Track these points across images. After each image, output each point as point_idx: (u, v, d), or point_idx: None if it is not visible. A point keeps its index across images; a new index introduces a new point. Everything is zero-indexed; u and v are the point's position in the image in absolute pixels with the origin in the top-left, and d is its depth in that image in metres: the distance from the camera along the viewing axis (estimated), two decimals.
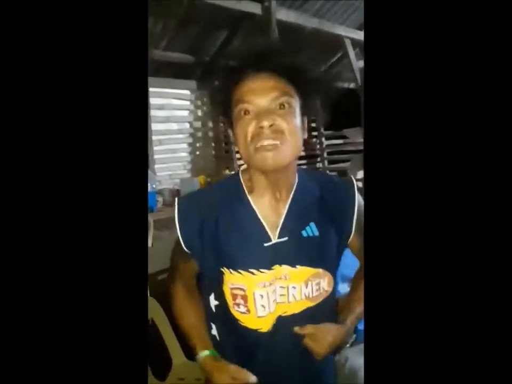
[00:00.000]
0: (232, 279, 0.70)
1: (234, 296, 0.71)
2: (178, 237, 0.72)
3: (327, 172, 4.43)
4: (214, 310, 0.77)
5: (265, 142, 0.61)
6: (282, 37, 2.96)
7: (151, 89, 3.07)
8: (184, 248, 0.72)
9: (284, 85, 0.64)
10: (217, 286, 0.73)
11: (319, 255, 0.71)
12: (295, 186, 0.71)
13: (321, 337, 0.72)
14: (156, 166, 3.09)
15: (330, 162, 4.52)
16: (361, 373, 1.23)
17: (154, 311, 1.46)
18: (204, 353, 0.75)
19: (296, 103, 0.65)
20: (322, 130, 4.44)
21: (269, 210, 0.70)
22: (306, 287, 0.71)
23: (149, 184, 2.50)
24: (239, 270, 0.69)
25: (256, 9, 2.85)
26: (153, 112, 3.08)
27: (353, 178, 0.76)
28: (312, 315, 0.72)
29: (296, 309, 0.71)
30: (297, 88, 0.65)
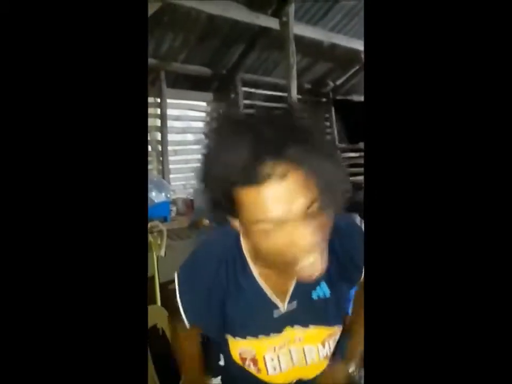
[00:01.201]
0: (240, 345, 0.66)
1: (243, 360, 0.67)
2: (179, 311, 0.66)
3: None
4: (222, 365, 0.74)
5: (310, 261, 0.49)
6: (299, 51, 2.99)
7: (168, 101, 3.14)
8: (186, 322, 0.66)
9: (307, 180, 0.46)
10: (224, 349, 0.69)
11: (332, 313, 0.65)
12: None
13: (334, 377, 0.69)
14: (171, 176, 3.12)
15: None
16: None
17: (164, 321, 1.45)
18: None
19: (324, 196, 0.48)
20: (337, 143, 4.43)
21: (276, 280, 0.62)
22: (324, 347, 0.66)
23: (163, 194, 2.53)
24: (247, 337, 0.65)
25: (274, 24, 2.89)
26: (169, 123, 3.14)
27: (357, 218, 0.72)
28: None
29: (317, 371, 0.68)
30: (320, 182, 0.47)
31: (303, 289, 0.63)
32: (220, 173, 0.47)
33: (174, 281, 0.71)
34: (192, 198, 2.86)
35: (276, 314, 0.63)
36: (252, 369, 0.67)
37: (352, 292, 1.01)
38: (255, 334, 0.64)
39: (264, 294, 0.63)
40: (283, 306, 0.64)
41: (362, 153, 4.15)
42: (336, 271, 0.63)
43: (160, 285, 1.61)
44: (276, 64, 3.60)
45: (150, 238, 1.88)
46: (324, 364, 0.67)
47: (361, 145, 3.89)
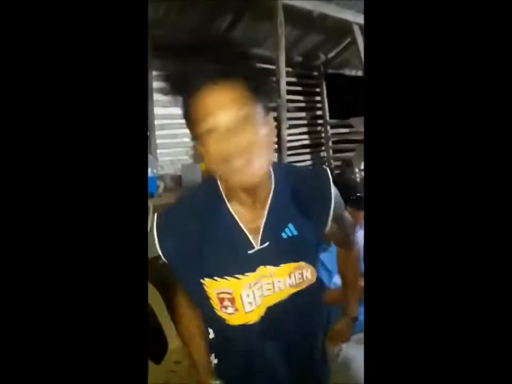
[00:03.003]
0: (218, 286, 0.70)
1: (221, 300, 0.71)
2: (160, 257, 0.71)
3: (332, 161, 4.39)
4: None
5: (239, 162, 0.59)
6: (288, 22, 2.89)
7: (153, 73, 3.03)
8: (165, 261, 0.72)
9: (240, 90, 0.59)
10: (196, 298, 0.75)
11: (300, 252, 0.73)
12: (272, 190, 0.71)
13: (345, 331, 0.93)
14: (158, 151, 3.06)
15: (335, 151, 4.48)
16: (355, 364, 1.23)
17: (151, 295, 1.46)
18: None
19: (257, 107, 0.61)
20: (327, 118, 4.39)
21: (249, 217, 0.70)
22: (290, 278, 0.73)
23: (149, 169, 2.48)
24: (225, 277, 0.70)
25: None
26: (155, 96, 3.04)
27: (327, 168, 0.77)
28: (297, 300, 0.74)
29: (282, 296, 0.74)
30: (248, 82, 0.60)
31: (273, 229, 0.70)
32: (175, 87, 0.62)
33: (160, 257, 0.73)
34: (180, 174, 2.82)
35: (250, 252, 0.69)
36: (229, 311, 0.72)
37: (333, 251, 1.07)
38: (232, 273, 0.69)
39: (242, 232, 0.69)
40: (257, 245, 0.70)
41: (353, 129, 4.13)
42: (304, 214, 0.72)
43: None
44: (265, 35, 3.49)
45: None
46: (288, 291, 0.74)
47: (352, 121, 3.85)
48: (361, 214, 1.26)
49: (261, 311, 0.73)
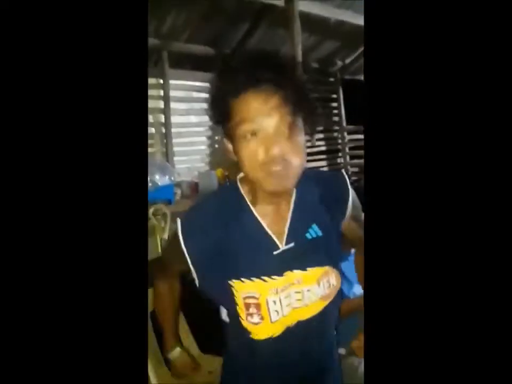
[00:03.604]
0: (245, 288, 0.70)
1: (247, 306, 0.70)
2: (180, 244, 0.71)
3: (349, 167, 4.34)
4: (227, 322, 0.79)
5: (277, 169, 0.61)
6: (305, 29, 2.89)
7: (171, 82, 3.08)
8: (191, 266, 0.71)
9: (285, 101, 0.60)
10: (226, 301, 0.73)
11: (325, 253, 0.73)
12: (295, 192, 0.73)
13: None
14: (175, 159, 3.10)
15: (352, 157, 4.43)
16: (362, 369, 1.21)
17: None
18: (176, 351, 0.90)
19: (299, 118, 0.63)
20: (344, 124, 4.35)
21: (273, 219, 0.71)
22: (319, 286, 0.72)
23: (167, 177, 2.51)
24: (251, 278, 0.69)
25: (278, 1, 2.79)
26: (173, 105, 3.09)
27: (343, 171, 0.79)
28: (327, 313, 0.74)
29: (314, 310, 0.73)
30: (293, 101, 0.61)
31: (298, 230, 0.71)
32: (219, 88, 0.64)
33: None
34: (196, 181, 2.85)
35: (276, 253, 0.70)
36: (255, 320, 0.70)
37: (352, 260, 1.05)
38: (258, 275, 0.69)
39: (266, 233, 0.70)
40: (282, 245, 0.70)
41: None
42: (326, 215, 0.74)
43: None
44: (282, 42, 3.50)
45: (154, 221, 1.88)
46: (320, 304, 0.73)
47: None
48: None
49: (288, 323, 0.72)
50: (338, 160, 4.42)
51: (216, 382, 0.94)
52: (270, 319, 0.70)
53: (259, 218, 0.70)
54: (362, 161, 4.48)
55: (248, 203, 0.71)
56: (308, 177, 0.73)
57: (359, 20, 3.50)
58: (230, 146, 0.67)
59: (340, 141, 4.40)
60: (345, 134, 4.36)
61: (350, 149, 4.40)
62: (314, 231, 0.72)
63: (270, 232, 0.70)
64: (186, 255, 0.70)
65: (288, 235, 0.70)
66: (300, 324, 0.72)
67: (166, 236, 1.89)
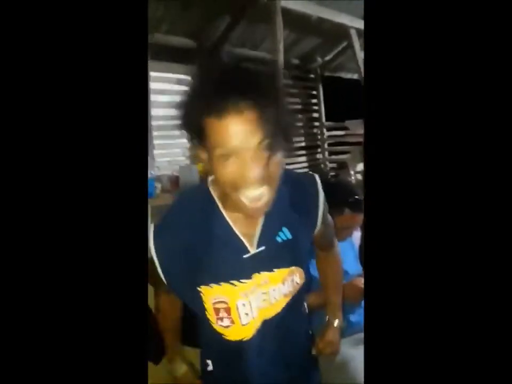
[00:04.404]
0: (214, 293, 0.70)
1: (217, 311, 0.71)
2: (157, 271, 0.71)
3: (327, 163, 4.41)
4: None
5: (255, 193, 0.59)
6: (286, 25, 2.90)
7: (151, 74, 3.03)
8: (161, 275, 0.72)
9: (261, 120, 0.56)
10: (196, 307, 0.74)
11: (293, 255, 0.75)
12: None
13: (334, 342, 0.91)
14: (155, 152, 3.06)
15: (331, 153, 4.50)
16: (354, 364, 1.24)
17: (150, 297, 1.46)
18: (182, 368, 0.90)
19: (278, 137, 0.58)
20: (323, 121, 4.41)
21: (244, 222, 0.70)
22: (284, 285, 0.74)
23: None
24: (220, 283, 0.70)
25: None
26: (153, 97, 3.04)
27: (315, 174, 0.79)
28: (290, 309, 0.76)
29: (278, 308, 0.75)
30: (269, 122, 0.56)
31: (269, 234, 0.71)
32: (194, 105, 0.58)
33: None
34: (177, 174, 2.82)
35: (246, 257, 0.70)
36: (225, 324, 0.72)
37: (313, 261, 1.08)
38: (227, 279, 0.70)
39: (237, 237, 0.70)
40: (252, 249, 0.71)
41: (348, 132, 4.15)
42: (296, 218, 0.73)
43: None
44: (263, 38, 3.51)
45: None
46: (283, 301, 0.74)
47: (348, 123, 3.87)
48: (360, 216, 1.27)
49: (257, 325, 0.74)
50: (317, 156, 4.49)
51: (195, 373, 0.95)
52: (241, 322, 0.72)
53: (230, 222, 0.69)
54: (340, 157, 4.56)
55: (219, 207, 0.70)
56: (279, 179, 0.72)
57: (340, 18, 3.55)
58: (204, 156, 0.62)
59: (319, 137, 4.45)
60: (324, 130, 4.42)
61: (329, 145, 4.47)
62: (284, 234, 0.72)
63: (240, 235, 0.70)
64: (156, 259, 0.70)
65: (259, 238, 0.70)
66: (266, 323, 0.74)
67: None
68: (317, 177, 0.77)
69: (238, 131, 0.55)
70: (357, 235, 1.43)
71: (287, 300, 0.75)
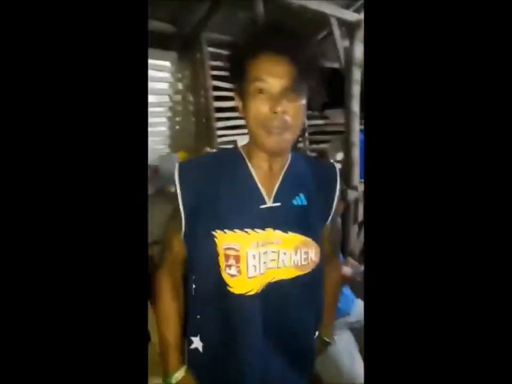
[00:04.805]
0: (227, 239, 0.72)
1: (227, 257, 0.72)
2: (178, 204, 0.74)
3: (307, 151, 4.44)
4: (193, 293, 0.78)
5: (275, 126, 0.67)
6: (267, 12, 2.87)
7: None
8: (182, 210, 0.74)
9: (293, 68, 0.67)
10: (204, 252, 0.73)
11: (307, 223, 0.77)
12: (288, 161, 0.78)
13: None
14: None
15: (311, 142, 4.53)
16: (336, 348, 1.27)
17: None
18: (180, 374, 0.78)
19: (302, 87, 0.69)
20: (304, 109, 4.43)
21: (265, 178, 0.75)
22: (296, 254, 0.75)
23: None
24: (234, 230, 0.72)
25: None
26: None
27: (335, 163, 0.84)
28: (301, 284, 0.76)
29: (286, 275, 0.75)
30: (300, 70, 0.68)
31: (286, 193, 0.75)
32: (243, 50, 0.70)
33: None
34: (157, 164, 2.79)
35: (262, 208, 0.73)
36: (232, 272, 0.72)
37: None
38: (242, 227, 0.72)
39: (257, 187, 0.74)
40: (269, 201, 0.74)
41: (329, 121, 4.18)
42: (313, 192, 0.78)
43: None
44: (243, 25, 3.46)
45: None
46: (293, 272, 0.75)
47: (328, 113, 3.91)
48: (340, 204, 1.29)
49: (262, 283, 0.73)
50: (298, 146, 4.51)
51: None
52: (247, 274, 0.72)
53: (253, 172, 0.75)
54: (321, 146, 4.60)
55: (245, 157, 0.76)
56: (301, 157, 0.82)
57: (321, 6, 3.53)
58: (240, 104, 0.73)
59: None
60: (305, 119, 4.44)
61: (310, 134, 4.50)
62: (300, 200, 0.76)
63: (260, 187, 0.74)
64: (180, 198, 0.73)
65: (276, 194, 0.75)
66: (271, 285, 0.73)
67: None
68: (336, 166, 0.82)
69: (273, 69, 0.66)
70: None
71: (299, 273, 0.75)
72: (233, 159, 0.77)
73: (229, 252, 0.72)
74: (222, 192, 0.73)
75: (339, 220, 0.89)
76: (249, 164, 0.76)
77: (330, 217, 0.82)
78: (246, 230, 0.72)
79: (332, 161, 0.90)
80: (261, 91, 0.67)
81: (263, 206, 0.73)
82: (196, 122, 3.56)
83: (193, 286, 0.78)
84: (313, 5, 3.45)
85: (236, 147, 0.79)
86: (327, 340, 0.94)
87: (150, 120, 3.19)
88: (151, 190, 2.42)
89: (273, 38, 0.68)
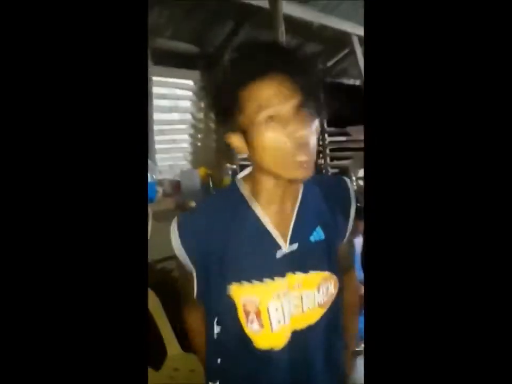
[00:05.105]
0: (244, 292, 0.66)
1: (247, 313, 0.66)
2: (183, 266, 0.69)
3: (329, 168, 4.41)
4: (215, 338, 0.71)
5: (304, 158, 0.59)
6: (289, 31, 2.93)
7: (154, 78, 3.05)
8: (190, 263, 0.68)
9: (298, 87, 0.59)
10: (222, 308, 0.68)
11: (326, 258, 0.71)
12: (301, 192, 0.70)
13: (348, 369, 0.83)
14: (157, 156, 3.07)
15: (332, 159, 4.51)
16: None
17: (150, 300, 1.46)
18: None
19: (311, 103, 0.61)
20: (325, 126, 4.42)
21: (277, 218, 0.67)
22: (318, 292, 0.69)
23: (149, 175, 2.49)
24: (251, 281, 0.66)
25: (263, 2, 2.81)
26: (155, 102, 3.06)
27: (346, 179, 0.77)
28: (324, 323, 0.70)
29: (311, 319, 0.69)
30: (305, 88, 0.60)
31: (302, 232, 0.68)
32: (236, 74, 0.61)
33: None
34: (179, 179, 2.83)
35: (279, 254, 0.66)
36: (254, 327, 0.66)
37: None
38: (260, 277, 0.66)
39: (268, 233, 0.67)
40: (285, 246, 0.67)
41: (350, 138, 4.16)
42: (329, 219, 0.71)
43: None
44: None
45: None
46: (318, 312, 0.69)
47: (349, 129, 3.89)
48: (361, 224, 1.26)
49: (288, 334, 0.68)
50: (319, 162, 4.49)
51: (198, 380, 0.93)
52: (271, 328, 0.66)
53: (261, 218, 0.66)
54: (342, 162, 4.57)
55: (249, 202, 0.67)
56: (311, 181, 0.69)
57: (342, 25, 3.57)
58: (239, 140, 0.64)
59: (320, 143, 4.46)
60: (326, 136, 4.43)
61: (331, 150, 4.47)
62: (318, 234, 0.69)
63: (272, 231, 0.66)
64: (185, 255, 0.67)
65: (292, 235, 0.67)
66: (296, 335, 0.68)
67: (148, 235, 1.87)
68: (348, 181, 0.76)
69: (280, 91, 0.58)
70: (358, 242, 1.42)
71: (322, 311, 0.70)
72: (236, 205, 0.68)
73: (249, 308, 0.66)
74: (231, 243, 0.66)
75: (360, 240, 0.85)
76: (255, 209, 0.67)
77: (345, 238, 0.76)
78: (264, 280, 0.65)
79: (344, 178, 0.80)
80: (271, 118, 0.58)
81: (280, 252, 0.66)
82: (217, 139, 3.62)
83: (215, 331, 0.70)
84: (334, 24, 3.49)
85: (236, 188, 0.69)
86: (354, 348, 0.88)
87: (173, 137, 3.27)
88: (172, 205, 2.45)
89: (272, 57, 0.59)
